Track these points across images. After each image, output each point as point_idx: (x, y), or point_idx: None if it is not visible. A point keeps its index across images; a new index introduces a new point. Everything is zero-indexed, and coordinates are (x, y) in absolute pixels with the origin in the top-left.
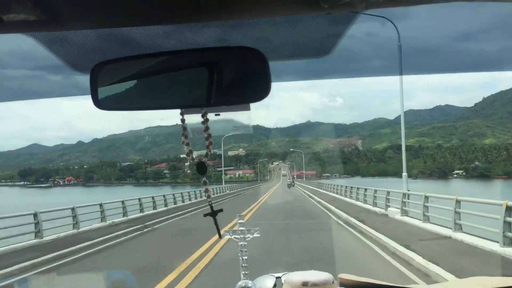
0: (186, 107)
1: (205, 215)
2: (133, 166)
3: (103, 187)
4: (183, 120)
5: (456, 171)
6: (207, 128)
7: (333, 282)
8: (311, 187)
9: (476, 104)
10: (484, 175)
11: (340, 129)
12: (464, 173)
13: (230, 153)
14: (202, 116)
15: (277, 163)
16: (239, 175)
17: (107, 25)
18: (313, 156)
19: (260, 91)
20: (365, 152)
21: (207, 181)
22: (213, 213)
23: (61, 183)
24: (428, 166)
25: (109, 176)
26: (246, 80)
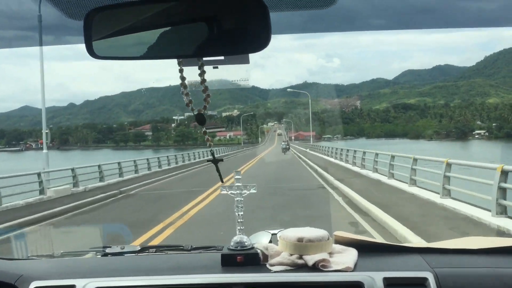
0: (183, 57)
1: (208, 160)
2: (114, 128)
3: (79, 150)
4: (181, 70)
5: (477, 131)
6: (204, 81)
7: (328, 239)
8: (311, 152)
9: (477, 63)
10: (511, 135)
11: (338, 90)
12: (486, 133)
13: (224, 114)
14: (199, 68)
15: (272, 123)
16: (229, 136)
17: None
18: (312, 116)
19: (259, 41)
20: (368, 112)
21: (206, 131)
22: (215, 160)
23: (33, 146)
24: (444, 125)
25: (86, 139)
26: (245, 29)
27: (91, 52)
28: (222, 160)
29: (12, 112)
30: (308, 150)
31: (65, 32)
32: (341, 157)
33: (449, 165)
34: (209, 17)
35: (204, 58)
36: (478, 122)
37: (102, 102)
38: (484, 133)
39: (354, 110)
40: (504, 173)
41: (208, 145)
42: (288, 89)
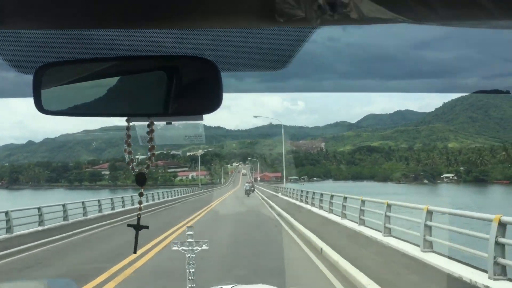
0: (134, 115)
1: (128, 225)
2: (69, 166)
3: (30, 190)
4: (128, 128)
5: (446, 175)
6: (151, 139)
7: None
8: (279, 196)
9: (436, 109)
10: (480, 180)
11: (302, 132)
12: (455, 177)
13: (188, 154)
14: (148, 126)
15: (236, 164)
16: (192, 177)
17: (54, 26)
18: (277, 157)
19: (211, 102)
20: (334, 154)
21: (143, 193)
22: (137, 227)
23: None
24: (411, 168)
25: (38, 178)
26: (197, 91)
27: (40, 107)
28: (147, 227)
29: None
30: (276, 193)
31: (15, 84)
32: (314, 202)
33: (389, 205)
34: (162, 77)
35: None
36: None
37: (63, 140)
38: (452, 176)
39: (319, 152)
40: (429, 213)
41: (138, 208)
42: (250, 141)
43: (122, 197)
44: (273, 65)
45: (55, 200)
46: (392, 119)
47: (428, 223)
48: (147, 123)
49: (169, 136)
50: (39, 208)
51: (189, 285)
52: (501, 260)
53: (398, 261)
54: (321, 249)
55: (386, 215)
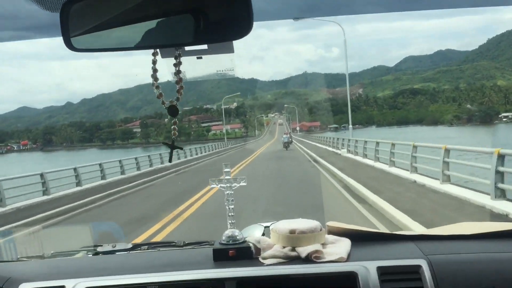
0: (163, 47)
1: (163, 143)
2: (101, 125)
3: (64, 151)
4: (154, 62)
5: (504, 114)
6: (178, 72)
7: (320, 230)
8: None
9: (480, 46)
10: None
11: (338, 79)
12: None
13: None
14: (175, 58)
15: (272, 115)
16: (226, 130)
17: None
18: (315, 106)
19: (241, 27)
20: (375, 99)
21: (177, 121)
22: (172, 146)
23: (15, 148)
24: (464, 109)
25: (71, 138)
26: (225, 16)
27: (69, 45)
28: (182, 148)
29: (9, 114)
30: (319, 144)
31: (41, 25)
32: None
33: (447, 150)
34: (189, 6)
35: (187, 48)
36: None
37: (100, 100)
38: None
39: (359, 98)
40: (501, 157)
41: (172, 133)
42: (285, 105)
43: (160, 154)
44: None
45: (89, 160)
46: (433, 60)
47: (501, 168)
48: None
49: (200, 71)
50: (75, 169)
51: (230, 221)
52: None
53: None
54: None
55: (444, 161)
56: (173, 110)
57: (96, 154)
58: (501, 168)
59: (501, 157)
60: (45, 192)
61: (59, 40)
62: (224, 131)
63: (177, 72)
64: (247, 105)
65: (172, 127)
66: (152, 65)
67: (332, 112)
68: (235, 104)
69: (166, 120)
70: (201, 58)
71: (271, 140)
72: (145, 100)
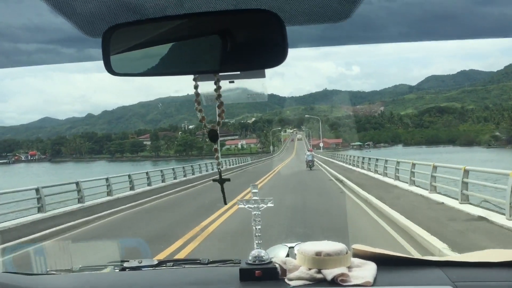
0: (199, 73)
1: (213, 180)
2: (112, 137)
3: (72, 163)
4: (196, 86)
5: None
6: (219, 96)
7: (346, 253)
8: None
9: (506, 67)
10: None
11: (358, 97)
12: None
13: (237, 121)
14: (215, 83)
15: (291, 130)
16: (241, 145)
17: None
18: (336, 122)
19: (276, 56)
20: (400, 117)
21: (218, 148)
22: (221, 180)
23: (23, 158)
24: (504, 128)
25: (80, 150)
26: (261, 45)
27: (109, 69)
28: (229, 179)
29: (31, 124)
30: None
31: (83, 47)
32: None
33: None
34: (225, 32)
35: (220, 74)
36: None
37: (120, 112)
38: None
39: (382, 115)
40: None
41: (217, 163)
42: (306, 116)
43: (173, 168)
44: (336, 16)
45: (97, 173)
46: (456, 80)
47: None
48: (213, 82)
49: (232, 95)
50: (77, 184)
51: (256, 241)
52: None
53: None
54: None
55: None
56: (213, 135)
57: (103, 166)
58: None
59: None
60: (40, 209)
61: (81, 49)
62: (239, 145)
63: (218, 96)
64: (265, 120)
65: (215, 155)
66: (194, 89)
67: (355, 129)
68: (253, 119)
69: (180, 133)
70: (233, 82)
71: (289, 157)
72: (164, 113)
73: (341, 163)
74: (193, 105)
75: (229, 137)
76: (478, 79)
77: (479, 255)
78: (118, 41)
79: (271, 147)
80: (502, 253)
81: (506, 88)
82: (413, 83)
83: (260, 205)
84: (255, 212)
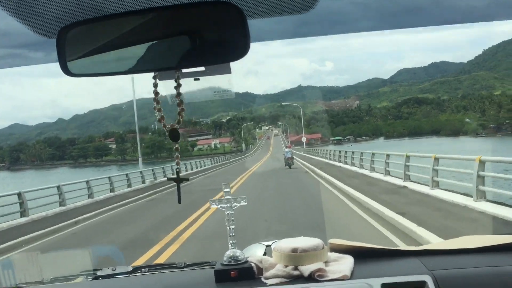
0: (159, 70)
1: (168, 179)
2: (78, 141)
3: (32, 170)
4: (155, 85)
5: None
6: (179, 94)
7: (323, 248)
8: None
9: (476, 57)
10: None
11: (333, 92)
12: None
13: (211, 120)
14: (175, 81)
15: (267, 127)
16: (214, 145)
17: None
18: (313, 117)
19: (238, 49)
20: (379, 109)
21: (179, 147)
22: (178, 179)
23: None
24: (492, 116)
25: (40, 156)
26: (223, 38)
27: (66, 70)
28: (188, 179)
29: (0, 131)
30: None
31: (37, 50)
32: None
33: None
34: (186, 28)
35: (184, 70)
36: None
37: (92, 116)
38: None
39: (360, 108)
40: (482, 163)
41: (176, 162)
42: (284, 103)
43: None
44: (298, 7)
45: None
46: (428, 72)
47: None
48: (174, 79)
49: (198, 93)
50: (19, 195)
51: (231, 241)
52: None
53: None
54: None
55: None
56: (174, 134)
57: (60, 174)
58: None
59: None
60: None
61: (53, 57)
62: (212, 145)
63: (178, 95)
64: (239, 118)
65: (174, 155)
66: (153, 88)
67: (334, 124)
68: (228, 117)
69: (149, 134)
70: (198, 79)
71: (264, 156)
72: (138, 115)
73: (326, 160)
74: (166, 106)
75: (203, 137)
76: (449, 71)
77: (455, 243)
78: (73, 41)
79: (243, 146)
80: (477, 239)
81: (478, 77)
82: (386, 76)
83: (233, 204)
84: (228, 212)
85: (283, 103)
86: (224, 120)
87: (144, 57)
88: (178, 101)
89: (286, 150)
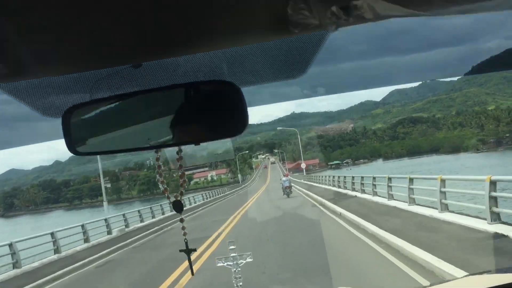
0: (162, 147)
1: (180, 251)
2: (74, 182)
3: (28, 216)
4: (157, 158)
5: None
6: (181, 166)
7: None
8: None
9: (466, 74)
10: None
11: (326, 117)
12: None
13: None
14: (177, 153)
15: (263, 156)
16: (211, 177)
17: (73, 71)
18: (309, 142)
19: (238, 124)
20: (374, 131)
21: (183, 218)
22: (188, 251)
23: None
24: (491, 131)
25: (35, 200)
26: (223, 114)
27: (73, 149)
28: (195, 250)
29: None
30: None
31: (43, 129)
32: None
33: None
34: (186, 105)
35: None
36: None
37: (89, 156)
38: None
39: (355, 131)
40: (493, 183)
41: (183, 233)
42: (278, 128)
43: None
44: (292, 73)
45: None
46: (419, 92)
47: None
48: (177, 150)
49: (199, 156)
50: (10, 245)
51: None
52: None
53: None
54: None
55: None
56: (177, 206)
57: (55, 218)
58: None
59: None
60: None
61: (54, 122)
62: (209, 177)
63: (180, 167)
64: (235, 148)
65: (182, 226)
66: (156, 162)
67: (330, 148)
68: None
69: (145, 170)
70: (198, 144)
71: (262, 186)
72: (135, 153)
73: (335, 189)
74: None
75: (199, 170)
76: (440, 89)
77: (461, 283)
78: (78, 121)
79: (239, 176)
80: (482, 280)
81: (470, 94)
82: (378, 98)
83: (239, 261)
84: (234, 269)
85: (278, 128)
86: (219, 152)
87: (148, 134)
88: (180, 173)
89: (284, 179)
